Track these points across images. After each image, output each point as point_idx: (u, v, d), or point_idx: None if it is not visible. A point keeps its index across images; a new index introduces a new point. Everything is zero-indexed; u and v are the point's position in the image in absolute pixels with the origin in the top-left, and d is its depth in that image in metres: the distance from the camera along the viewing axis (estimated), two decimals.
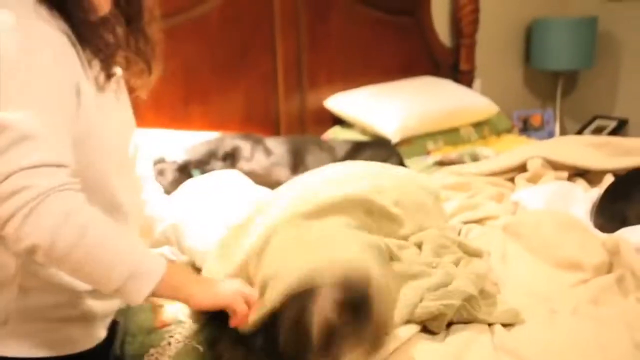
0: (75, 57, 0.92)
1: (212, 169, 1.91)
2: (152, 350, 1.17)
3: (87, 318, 1.01)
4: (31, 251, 0.83)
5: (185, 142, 2.06)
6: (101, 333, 1.06)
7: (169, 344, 1.17)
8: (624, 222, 1.55)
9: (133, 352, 1.20)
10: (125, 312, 1.23)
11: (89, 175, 0.92)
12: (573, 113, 3.43)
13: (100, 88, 0.97)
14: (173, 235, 1.32)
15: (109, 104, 1.00)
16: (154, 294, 0.92)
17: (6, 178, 0.80)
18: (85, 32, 0.93)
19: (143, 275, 0.89)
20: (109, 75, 0.98)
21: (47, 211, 0.81)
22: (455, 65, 2.98)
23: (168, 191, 1.82)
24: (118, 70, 1.05)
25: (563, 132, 3.30)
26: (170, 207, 1.35)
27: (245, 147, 2.00)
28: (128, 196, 1.05)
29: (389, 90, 2.62)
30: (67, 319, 0.99)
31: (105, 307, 1.05)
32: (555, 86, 3.30)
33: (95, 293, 1.01)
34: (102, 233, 0.86)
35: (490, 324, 1.17)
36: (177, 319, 1.22)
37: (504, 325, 1.18)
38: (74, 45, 0.92)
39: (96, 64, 0.96)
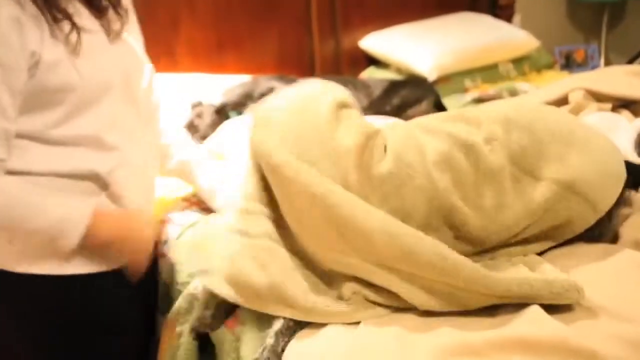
0: (30, 28, 0.99)
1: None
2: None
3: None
4: None
5: (221, 85, 2.08)
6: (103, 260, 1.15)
7: None
8: None
9: (181, 280, 1.27)
10: (171, 244, 1.29)
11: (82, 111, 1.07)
12: (620, 47, 3.29)
13: (72, 45, 1.04)
14: (187, 170, 1.41)
15: (95, 48, 1.09)
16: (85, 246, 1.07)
17: None
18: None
19: (68, 230, 1.05)
20: (77, 29, 1.05)
21: None
22: (494, 0, 2.88)
23: (207, 133, 1.86)
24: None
25: (608, 65, 3.17)
26: (186, 140, 1.43)
27: (280, 88, 2.00)
28: (119, 131, 1.13)
29: (424, 28, 2.56)
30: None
31: None
32: (601, 18, 3.16)
33: None
34: (10, 214, 1.02)
35: None
36: None
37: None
38: (32, 14, 1.00)
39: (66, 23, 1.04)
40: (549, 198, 1.09)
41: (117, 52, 1.13)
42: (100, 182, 1.11)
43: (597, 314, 0.98)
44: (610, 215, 1.18)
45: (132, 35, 1.21)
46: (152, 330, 1.34)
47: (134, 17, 1.24)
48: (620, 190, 1.17)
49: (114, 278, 1.16)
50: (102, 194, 1.12)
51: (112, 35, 1.12)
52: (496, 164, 1.10)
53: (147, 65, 1.24)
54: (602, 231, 1.19)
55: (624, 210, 1.27)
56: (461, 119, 1.19)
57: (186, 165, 1.41)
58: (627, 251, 1.15)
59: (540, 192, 1.10)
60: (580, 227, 1.15)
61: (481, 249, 1.11)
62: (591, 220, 1.14)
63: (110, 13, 1.13)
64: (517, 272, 1.04)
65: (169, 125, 1.40)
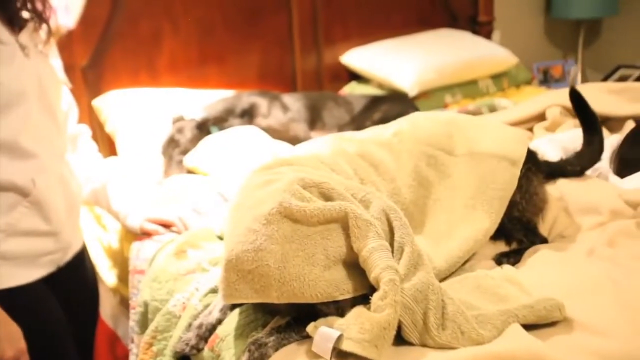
0: None
1: (230, 126, 1.94)
2: (178, 296, 1.22)
3: (6, 257, 1.11)
4: None
5: (203, 100, 2.08)
6: (28, 272, 1.15)
7: (197, 289, 1.21)
8: None
9: (160, 297, 1.26)
10: (150, 260, 1.28)
11: None
12: (595, 63, 3.36)
13: None
14: (102, 197, 1.43)
15: (9, 58, 1.10)
16: None
17: None
18: None
19: None
20: None
21: None
22: (473, 17, 2.93)
23: (187, 148, 1.86)
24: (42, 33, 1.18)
25: (585, 82, 3.23)
26: (101, 167, 1.44)
27: (262, 103, 2.02)
28: (35, 138, 1.13)
29: (405, 44, 2.59)
30: None
31: (26, 248, 1.14)
32: (577, 35, 3.23)
33: (12, 233, 1.11)
34: None
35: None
36: (202, 266, 1.26)
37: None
38: None
39: None
40: (467, 163, 1.27)
41: (33, 64, 1.15)
42: (19, 190, 1.11)
43: (572, 328, 1.00)
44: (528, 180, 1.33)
45: (53, 59, 1.24)
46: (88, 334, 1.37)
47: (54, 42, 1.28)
48: (525, 146, 1.35)
49: (37, 288, 1.16)
50: (23, 201, 1.11)
51: (27, 50, 1.14)
52: (403, 148, 1.28)
53: (66, 90, 1.27)
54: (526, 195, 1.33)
55: (595, 219, 1.35)
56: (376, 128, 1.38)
57: (100, 192, 1.44)
58: (603, 265, 1.18)
59: (455, 163, 1.28)
60: (506, 182, 1.28)
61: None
62: (511, 173, 1.29)
63: (29, 31, 1.16)
64: (499, 300, 1.05)
65: (85, 154, 1.42)
